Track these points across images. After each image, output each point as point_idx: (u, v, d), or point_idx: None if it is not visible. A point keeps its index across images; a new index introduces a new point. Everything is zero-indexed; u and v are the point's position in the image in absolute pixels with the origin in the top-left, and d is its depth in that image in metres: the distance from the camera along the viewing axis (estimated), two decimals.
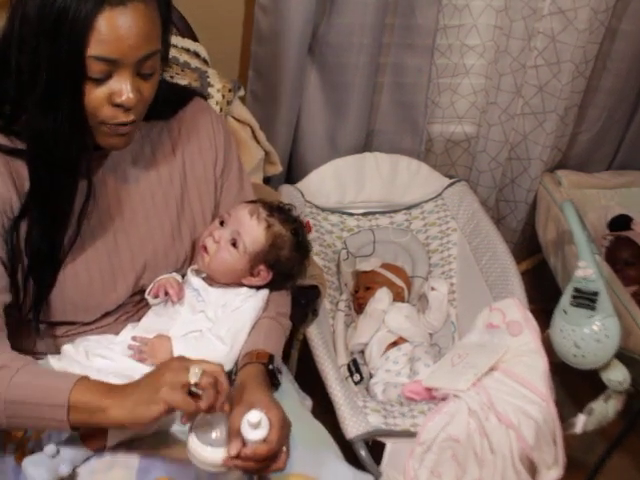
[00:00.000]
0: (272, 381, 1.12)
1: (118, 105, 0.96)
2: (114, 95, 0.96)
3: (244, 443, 0.94)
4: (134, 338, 1.15)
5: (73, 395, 0.93)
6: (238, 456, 0.94)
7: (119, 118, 0.98)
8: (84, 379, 0.96)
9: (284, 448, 1.00)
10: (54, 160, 0.98)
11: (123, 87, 0.95)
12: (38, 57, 0.91)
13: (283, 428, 0.99)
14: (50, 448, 0.99)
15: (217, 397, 0.92)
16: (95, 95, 0.95)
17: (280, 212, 1.26)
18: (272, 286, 1.25)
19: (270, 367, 1.12)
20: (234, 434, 0.95)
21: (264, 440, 0.95)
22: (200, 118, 1.24)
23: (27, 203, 1.02)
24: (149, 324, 1.18)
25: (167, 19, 1.01)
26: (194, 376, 0.91)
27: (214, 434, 0.96)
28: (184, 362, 0.94)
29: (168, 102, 1.07)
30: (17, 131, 1.02)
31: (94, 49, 0.91)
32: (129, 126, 1.01)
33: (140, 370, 1.09)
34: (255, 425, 0.94)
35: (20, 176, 1.03)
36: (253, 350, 1.14)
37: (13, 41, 0.94)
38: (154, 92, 1.02)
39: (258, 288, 1.23)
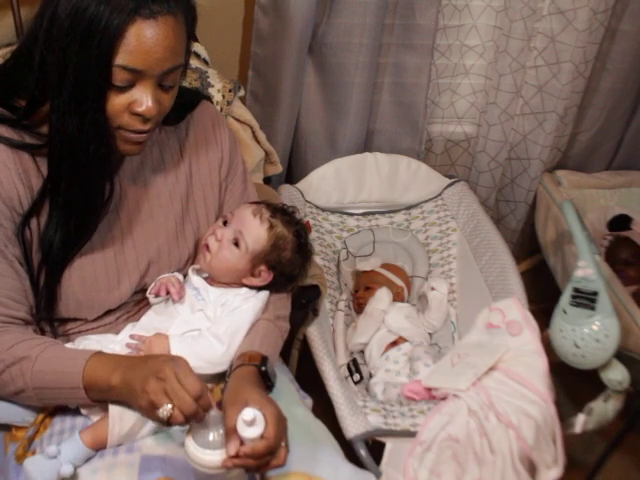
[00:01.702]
0: (265, 383, 1.12)
1: (137, 114, 0.99)
2: (134, 104, 0.98)
3: (242, 442, 0.95)
4: (132, 336, 1.15)
5: (85, 378, 1.00)
6: (237, 455, 0.94)
7: (136, 126, 1.00)
8: (93, 358, 1.02)
9: (283, 444, 1.00)
10: (81, 162, 1.00)
11: (144, 97, 0.97)
12: (66, 59, 0.92)
13: (279, 423, 0.99)
14: (52, 449, 0.99)
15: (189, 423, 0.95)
16: (116, 102, 0.97)
17: (283, 214, 1.27)
18: (273, 288, 1.25)
19: (263, 369, 1.11)
20: (231, 434, 0.95)
21: (261, 437, 0.95)
22: (207, 121, 1.26)
23: (39, 200, 1.04)
24: (148, 322, 1.19)
25: (191, 33, 1.03)
26: (161, 417, 0.93)
27: (211, 436, 0.96)
28: (168, 386, 0.94)
29: (179, 108, 1.09)
30: (28, 125, 1.04)
31: (121, 58, 0.93)
32: (145, 134, 1.03)
33: None
34: (250, 422, 0.94)
35: (27, 170, 1.05)
36: (246, 352, 1.14)
37: (40, 38, 0.95)
38: (172, 103, 1.05)
39: (258, 289, 1.24)
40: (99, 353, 1.04)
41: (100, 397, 1.02)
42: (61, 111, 0.96)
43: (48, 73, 0.95)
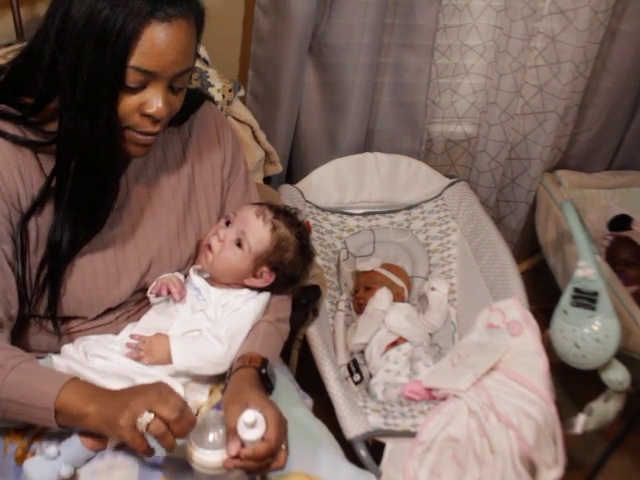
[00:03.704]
0: (265, 385, 1.12)
1: (147, 115, 0.99)
2: (145, 105, 0.99)
3: (242, 444, 0.94)
4: (132, 336, 1.15)
5: (59, 400, 0.95)
6: (238, 456, 0.94)
7: (146, 127, 1.01)
8: (71, 382, 0.98)
9: (283, 446, 1.00)
10: (91, 162, 1.00)
11: (155, 99, 0.98)
12: (80, 59, 0.93)
13: (280, 425, 0.99)
14: (51, 450, 0.99)
15: (167, 442, 0.92)
16: (127, 103, 0.98)
17: (286, 215, 1.28)
18: (274, 289, 1.26)
19: (263, 371, 1.11)
20: (232, 434, 0.95)
21: (262, 439, 0.95)
22: (210, 122, 1.26)
23: (40, 200, 1.04)
24: (149, 322, 1.19)
25: (200, 36, 1.04)
26: (140, 425, 0.90)
27: (211, 437, 0.96)
28: (150, 398, 0.93)
29: (182, 109, 1.09)
30: (34, 123, 1.04)
31: (135, 60, 0.94)
32: (152, 136, 1.03)
33: (139, 370, 1.10)
34: (251, 425, 0.94)
35: (29, 168, 1.04)
36: (247, 354, 1.14)
37: (51, 37, 0.95)
38: (181, 105, 1.06)
39: (260, 291, 1.24)
40: (76, 379, 1.00)
41: (68, 423, 0.97)
42: (73, 111, 0.96)
43: (58, 71, 0.96)
